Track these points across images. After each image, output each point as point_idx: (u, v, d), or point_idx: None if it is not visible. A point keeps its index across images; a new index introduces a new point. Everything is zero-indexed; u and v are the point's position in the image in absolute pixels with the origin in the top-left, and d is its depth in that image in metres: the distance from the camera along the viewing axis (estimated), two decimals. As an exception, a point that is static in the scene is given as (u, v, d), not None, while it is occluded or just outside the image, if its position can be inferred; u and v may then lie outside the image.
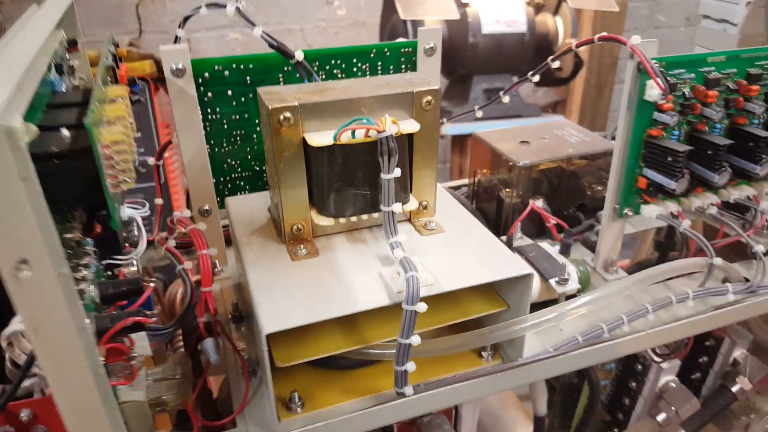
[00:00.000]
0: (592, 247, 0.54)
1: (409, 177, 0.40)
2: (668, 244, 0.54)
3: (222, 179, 0.49)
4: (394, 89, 0.38)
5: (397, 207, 0.36)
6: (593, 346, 0.41)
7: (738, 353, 0.57)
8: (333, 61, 0.48)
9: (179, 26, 0.45)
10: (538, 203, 0.49)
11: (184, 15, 0.44)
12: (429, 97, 0.38)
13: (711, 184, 0.45)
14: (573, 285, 0.44)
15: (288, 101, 0.35)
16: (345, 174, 0.37)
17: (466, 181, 0.65)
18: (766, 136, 0.45)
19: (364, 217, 0.39)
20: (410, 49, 0.49)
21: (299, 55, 0.41)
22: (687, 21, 1.78)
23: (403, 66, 0.50)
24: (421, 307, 0.32)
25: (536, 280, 0.45)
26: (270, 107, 0.35)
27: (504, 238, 0.51)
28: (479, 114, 0.57)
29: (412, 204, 0.40)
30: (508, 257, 0.38)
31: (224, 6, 0.41)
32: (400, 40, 0.50)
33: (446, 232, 0.41)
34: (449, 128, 1.22)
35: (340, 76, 0.49)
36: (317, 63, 0.48)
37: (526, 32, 1.21)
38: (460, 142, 1.37)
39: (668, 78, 0.41)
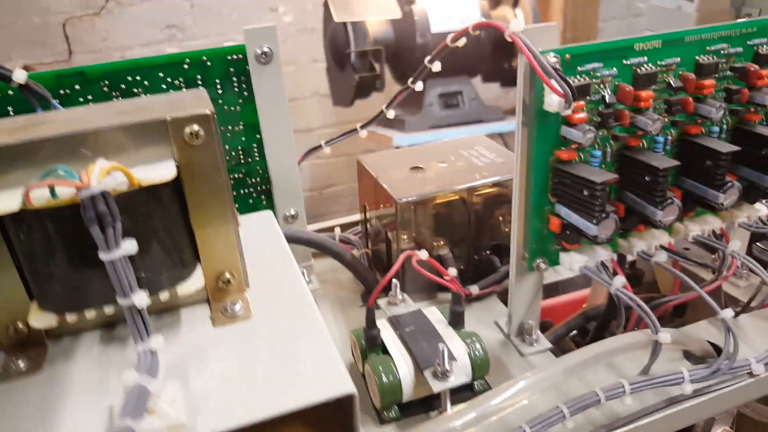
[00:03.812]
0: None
1: (188, 242, 0.27)
2: (611, 309, 0.40)
3: None
4: (139, 116, 0.25)
5: (140, 298, 0.23)
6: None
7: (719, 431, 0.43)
8: (130, 78, 0.35)
9: None
10: (422, 254, 0.35)
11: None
12: (195, 127, 0.25)
13: (653, 221, 0.32)
14: (458, 379, 0.31)
15: (-47, 146, 0.23)
16: (63, 249, 0.24)
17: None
18: (728, 152, 0.32)
19: (109, 309, 0.26)
20: (240, 56, 0.37)
21: (19, 77, 0.28)
22: (673, 8, 1.64)
23: (235, 80, 0.37)
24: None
25: (409, 369, 0.32)
26: None
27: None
28: (390, 114, 0.43)
29: (194, 282, 0.27)
30: (323, 363, 0.25)
31: None
32: (229, 44, 0.37)
33: (253, 320, 0.28)
34: (402, 139, 1.08)
35: (144, 97, 0.36)
36: (107, 83, 0.35)
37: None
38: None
39: (567, 78, 0.28)
